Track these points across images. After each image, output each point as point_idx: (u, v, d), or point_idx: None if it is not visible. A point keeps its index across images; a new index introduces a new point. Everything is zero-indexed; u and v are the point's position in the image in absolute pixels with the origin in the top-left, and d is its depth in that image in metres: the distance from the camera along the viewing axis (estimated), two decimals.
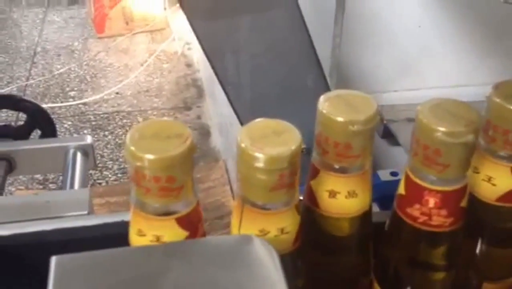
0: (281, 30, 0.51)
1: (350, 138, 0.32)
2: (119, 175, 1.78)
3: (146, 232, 0.29)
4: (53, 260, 0.24)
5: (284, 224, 0.31)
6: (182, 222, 0.29)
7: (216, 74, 0.52)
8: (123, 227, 0.31)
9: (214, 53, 0.50)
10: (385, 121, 0.69)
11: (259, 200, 0.30)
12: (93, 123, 1.96)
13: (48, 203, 0.41)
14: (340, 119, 0.31)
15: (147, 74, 2.21)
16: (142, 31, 2.44)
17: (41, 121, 0.65)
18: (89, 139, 0.60)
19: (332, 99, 0.33)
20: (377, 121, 0.33)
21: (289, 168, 0.29)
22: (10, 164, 0.57)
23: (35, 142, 0.63)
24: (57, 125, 2.01)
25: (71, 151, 0.58)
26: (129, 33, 2.43)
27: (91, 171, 1.77)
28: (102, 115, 2.00)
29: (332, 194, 0.34)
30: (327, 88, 0.55)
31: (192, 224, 0.30)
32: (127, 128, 1.94)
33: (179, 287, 0.24)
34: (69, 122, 1.98)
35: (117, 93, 2.11)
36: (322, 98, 0.33)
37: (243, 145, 0.29)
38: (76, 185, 0.54)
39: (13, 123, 0.66)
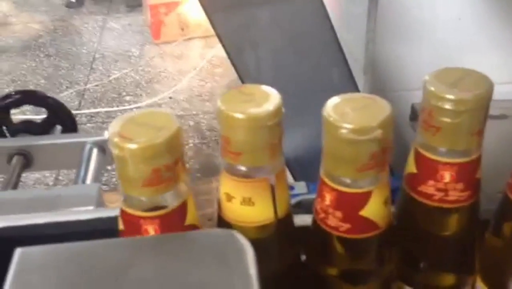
0: (303, 23, 0.49)
1: None
2: None
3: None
4: (17, 252, 0.23)
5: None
6: None
7: (236, 70, 0.50)
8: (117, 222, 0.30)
9: (234, 49, 0.49)
10: None
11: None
12: None
13: (59, 197, 0.40)
14: None
15: (200, 79, 2.23)
16: (196, 37, 2.47)
17: (61, 117, 0.66)
18: (106, 135, 0.60)
19: None
20: None
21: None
22: (27, 159, 0.58)
23: (51, 138, 0.63)
24: None
25: (88, 146, 0.57)
26: (183, 39, 2.46)
27: None
28: None
29: None
30: (353, 84, 0.52)
31: None
32: None
33: (142, 282, 0.22)
34: None
35: (170, 97, 2.14)
36: None
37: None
38: (89, 180, 0.54)
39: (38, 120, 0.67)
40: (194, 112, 2.06)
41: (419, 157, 0.31)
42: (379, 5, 0.58)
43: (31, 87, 2.22)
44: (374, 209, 0.28)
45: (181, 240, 0.25)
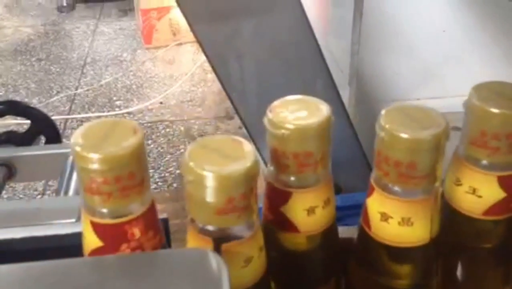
0: (286, 35, 0.49)
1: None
2: (160, 184, 1.79)
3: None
4: None
5: None
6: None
7: (219, 80, 0.50)
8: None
9: (217, 58, 0.49)
10: None
11: None
12: None
13: (38, 210, 0.40)
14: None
15: (191, 84, 2.23)
16: (188, 42, 2.47)
17: (45, 128, 0.65)
18: None
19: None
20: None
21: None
22: (10, 170, 0.57)
23: (35, 149, 0.63)
24: None
25: (71, 157, 0.57)
26: (175, 44, 2.46)
27: None
28: (145, 124, 2.03)
29: None
30: (336, 94, 0.52)
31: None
32: (169, 137, 1.96)
33: None
34: None
35: (161, 102, 2.14)
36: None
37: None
38: (71, 191, 0.53)
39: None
40: (185, 118, 2.05)
41: (506, 180, 0.30)
42: (364, 17, 0.59)
43: (22, 91, 2.21)
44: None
45: (153, 259, 0.25)
